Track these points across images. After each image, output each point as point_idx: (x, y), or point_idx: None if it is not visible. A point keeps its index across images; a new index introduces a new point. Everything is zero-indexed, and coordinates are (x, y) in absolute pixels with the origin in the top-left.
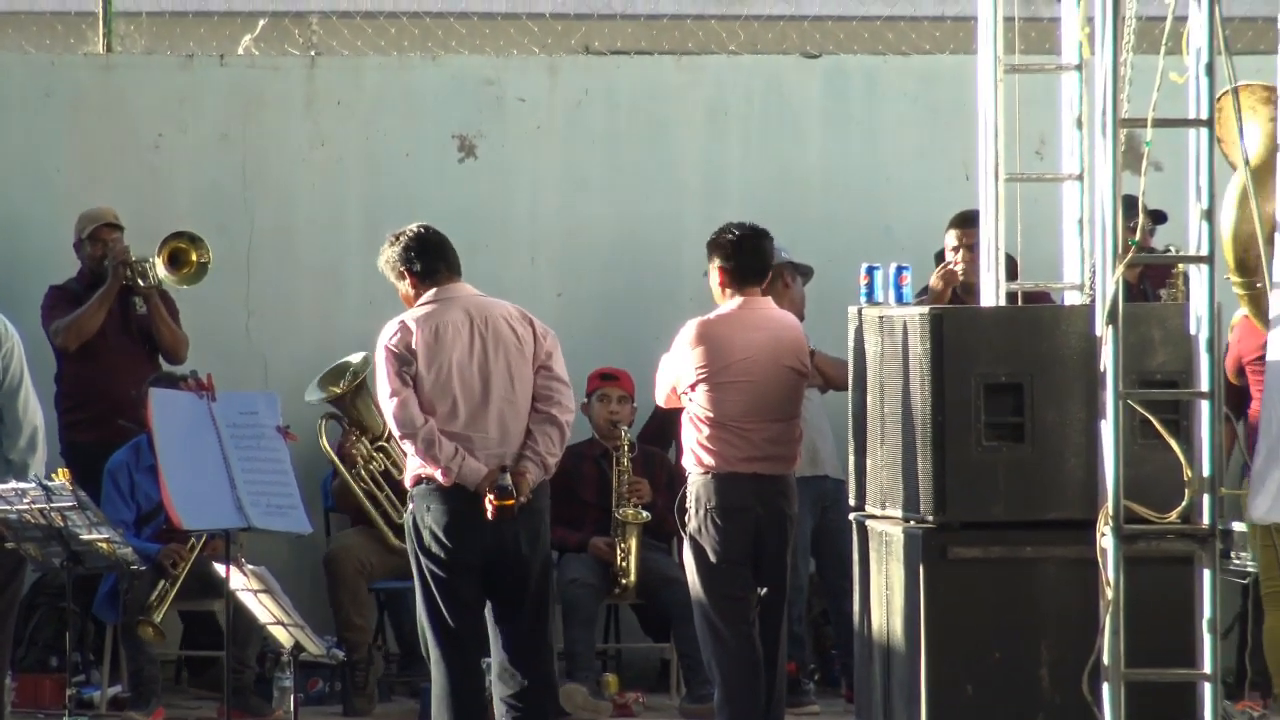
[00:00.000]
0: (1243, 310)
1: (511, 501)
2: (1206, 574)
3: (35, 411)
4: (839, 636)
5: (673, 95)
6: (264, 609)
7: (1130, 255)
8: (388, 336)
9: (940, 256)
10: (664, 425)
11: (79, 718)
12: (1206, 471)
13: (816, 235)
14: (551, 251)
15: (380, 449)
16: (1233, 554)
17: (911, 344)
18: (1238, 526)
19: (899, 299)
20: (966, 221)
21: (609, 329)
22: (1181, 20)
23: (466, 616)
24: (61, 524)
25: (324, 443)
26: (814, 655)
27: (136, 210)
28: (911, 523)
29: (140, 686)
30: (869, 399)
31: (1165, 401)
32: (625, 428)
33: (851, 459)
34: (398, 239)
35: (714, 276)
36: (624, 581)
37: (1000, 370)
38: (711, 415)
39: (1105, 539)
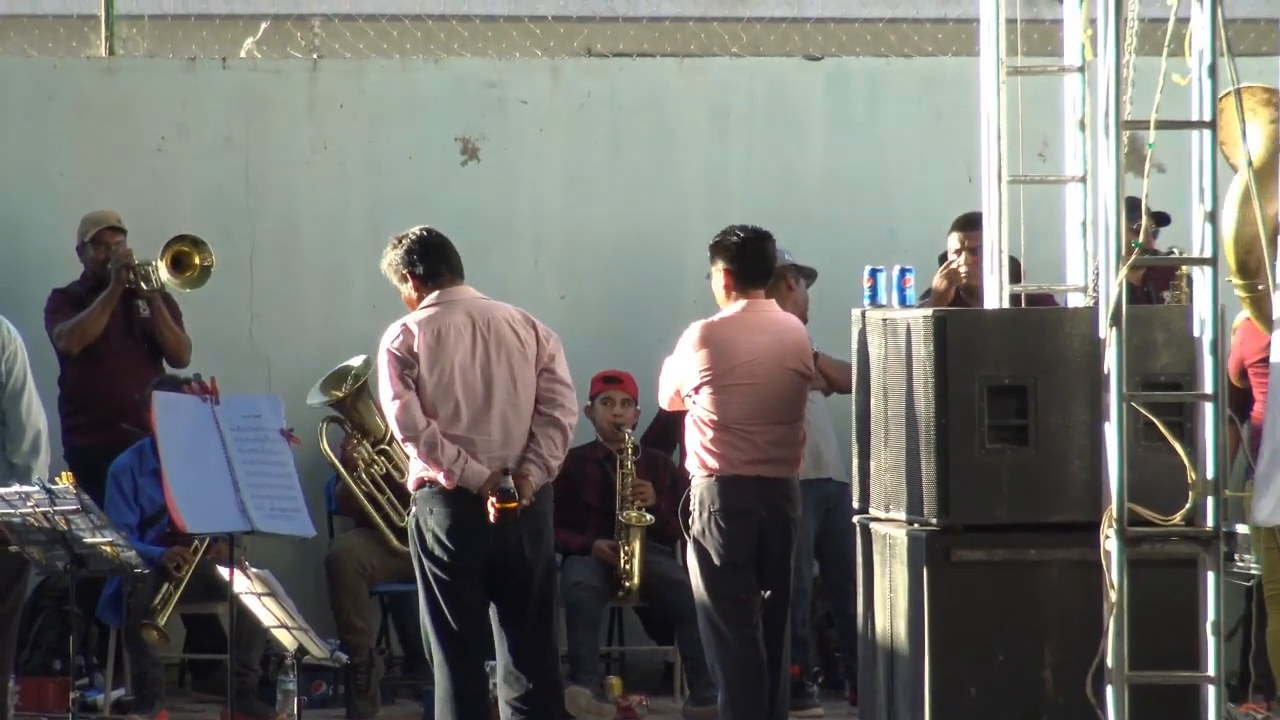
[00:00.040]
0: (1245, 313)
1: (514, 504)
2: (1210, 576)
3: (38, 415)
4: (843, 639)
5: (675, 98)
6: (268, 612)
7: (1133, 257)
8: (390, 339)
9: (944, 259)
10: (667, 428)
11: None
12: (1210, 474)
13: (819, 237)
14: (554, 254)
15: (382, 452)
16: (1237, 556)
17: (915, 346)
18: (1241, 529)
19: (902, 301)
20: (968, 224)
21: (612, 331)
22: (1184, 22)
23: (469, 619)
24: (65, 527)
25: (325, 446)
26: (818, 658)
27: (139, 213)
28: (915, 525)
29: (144, 690)
30: (873, 401)
31: (1169, 404)
32: (629, 430)
33: (855, 461)
34: (400, 242)
35: (717, 279)
36: (628, 584)
37: (1004, 373)
38: (715, 418)
39: (1109, 541)
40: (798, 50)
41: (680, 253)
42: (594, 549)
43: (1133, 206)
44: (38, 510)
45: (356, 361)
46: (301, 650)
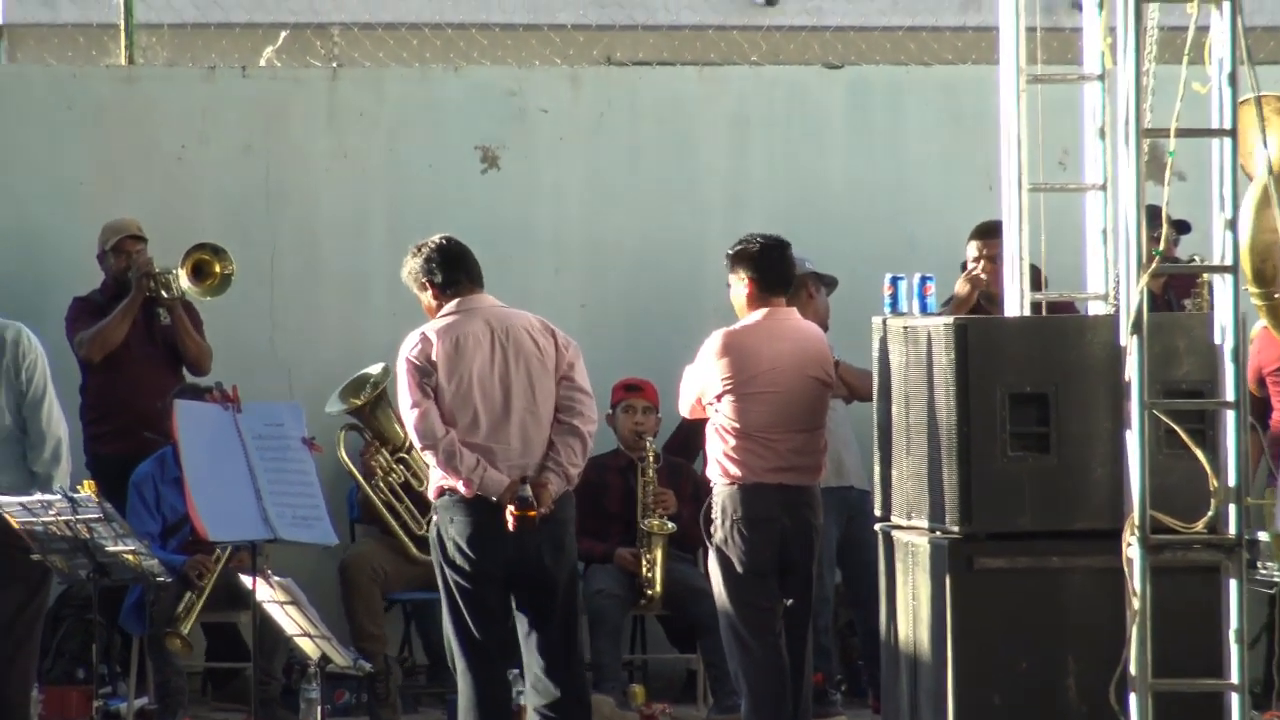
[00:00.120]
0: (1263, 321)
1: (533, 513)
2: (1233, 584)
3: (59, 423)
4: (865, 647)
5: (695, 106)
6: (290, 620)
7: (1154, 265)
8: (409, 348)
9: (964, 269)
10: (689, 436)
11: None
12: (1232, 481)
13: (840, 246)
14: (575, 262)
15: (401, 460)
16: (1259, 564)
17: (936, 354)
18: (1263, 536)
19: (923, 309)
20: (987, 232)
21: (633, 339)
22: (1204, 30)
23: (492, 627)
24: (87, 536)
25: (343, 454)
26: (840, 665)
27: (159, 222)
28: (937, 533)
29: (167, 698)
30: (894, 409)
31: (1190, 411)
32: (650, 438)
33: (877, 469)
34: (420, 250)
35: (738, 288)
36: (650, 592)
37: (1025, 380)
38: (737, 426)
39: (1131, 549)
40: (817, 59)
41: (701, 261)
42: (616, 557)
43: (1153, 214)
44: (60, 519)
45: (375, 369)
46: (324, 658)
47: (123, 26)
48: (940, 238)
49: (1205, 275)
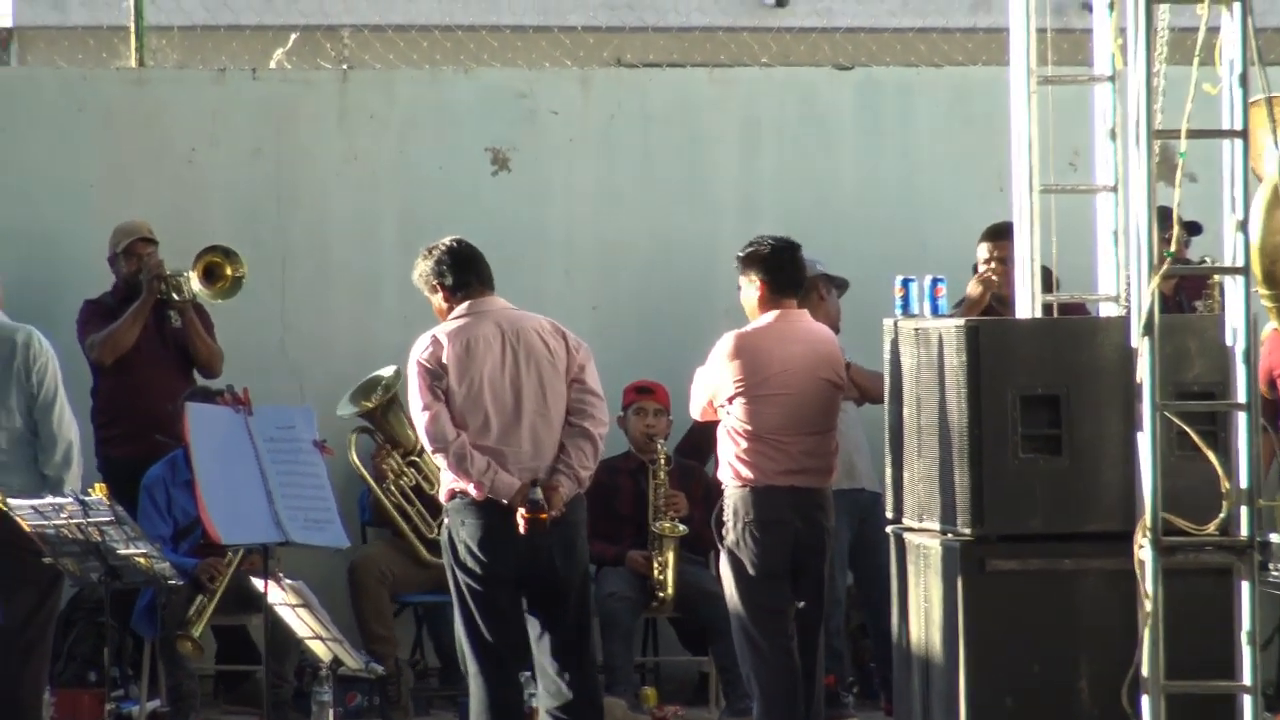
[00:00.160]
0: (1274, 323)
1: (544, 515)
2: (1245, 586)
3: (70, 426)
4: (877, 649)
5: (705, 108)
6: (302, 623)
7: (1165, 267)
8: (419, 351)
9: (976, 270)
10: (701, 439)
11: None
12: (1244, 483)
13: (850, 247)
14: (586, 264)
15: (412, 463)
16: (1271, 566)
17: (947, 356)
18: (1276, 538)
19: (934, 311)
20: (998, 234)
21: (644, 342)
22: (1214, 31)
23: (504, 629)
24: (99, 539)
25: (354, 457)
26: (853, 668)
27: (170, 224)
28: (949, 535)
29: (179, 701)
30: (905, 411)
31: (1202, 413)
32: (661, 441)
33: (889, 471)
34: (430, 253)
35: (748, 290)
36: (662, 595)
37: (1037, 382)
38: (749, 428)
39: (1143, 551)
40: (828, 60)
41: (711, 262)
42: (627, 560)
43: (1164, 216)
44: (71, 522)
45: (387, 372)
46: (336, 661)
47: (133, 29)
48: (951, 239)
49: (1216, 277)
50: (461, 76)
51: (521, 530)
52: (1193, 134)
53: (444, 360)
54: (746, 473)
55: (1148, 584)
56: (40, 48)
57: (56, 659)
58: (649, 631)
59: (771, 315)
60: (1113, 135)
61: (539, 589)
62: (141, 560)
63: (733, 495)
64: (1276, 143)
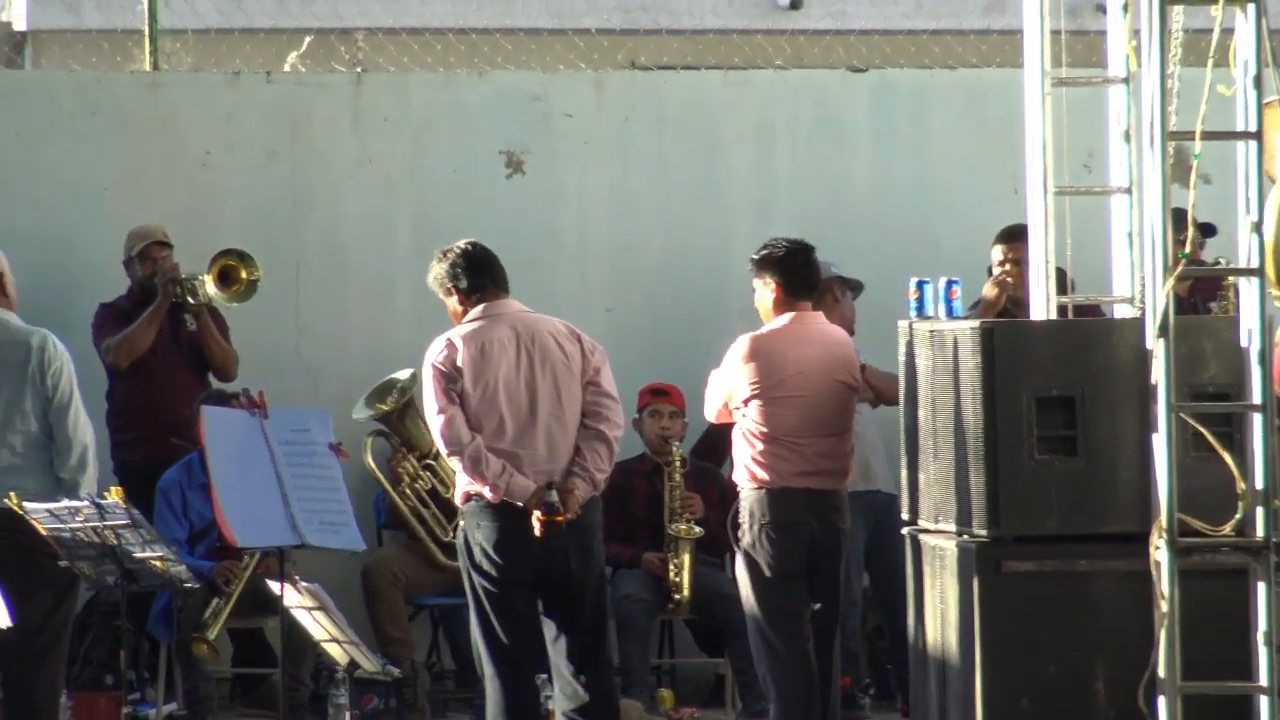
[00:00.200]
0: None
1: (560, 518)
2: (1261, 587)
3: (85, 429)
4: (893, 650)
5: (720, 110)
6: (318, 626)
7: (1180, 268)
8: (434, 354)
9: (991, 272)
10: (717, 441)
11: None
12: (1260, 484)
13: (865, 250)
14: (601, 267)
15: (428, 467)
16: None
17: (963, 358)
18: None
19: (949, 313)
20: (1012, 236)
21: (659, 344)
22: (1228, 33)
23: (520, 632)
24: (115, 542)
25: (369, 460)
26: (869, 669)
27: (184, 228)
28: (965, 537)
29: (195, 704)
30: (921, 413)
31: (1217, 414)
32: (676, 443)
33: (904, 473)
34: (445, 255)
35: (763, 293)
36: (678, 597)
37: (1052, 384)
38: (765, 430)
39: (1159, 552)
40: (842, 62)
41: (726, 265)
42: (643, 562)
43: (1179, 217)
44: (87, 525)
45: (403, 375)
46: (353, 664)
47: (147, 32)
48: (966, 241)
49: (1231, 278)
50: (476, 79)
51: (537, 533)
52: (1207, 135)
53: (459, 363)
54: (762, 474)
55: (1164, 585)
56: (54, 51)
57: (73, 662)
58: (665, 633)
59: (786, 318)
60: (1127, 137)
61: (555, 591)
62: (158, 563)
63: (748, 497)
64: None
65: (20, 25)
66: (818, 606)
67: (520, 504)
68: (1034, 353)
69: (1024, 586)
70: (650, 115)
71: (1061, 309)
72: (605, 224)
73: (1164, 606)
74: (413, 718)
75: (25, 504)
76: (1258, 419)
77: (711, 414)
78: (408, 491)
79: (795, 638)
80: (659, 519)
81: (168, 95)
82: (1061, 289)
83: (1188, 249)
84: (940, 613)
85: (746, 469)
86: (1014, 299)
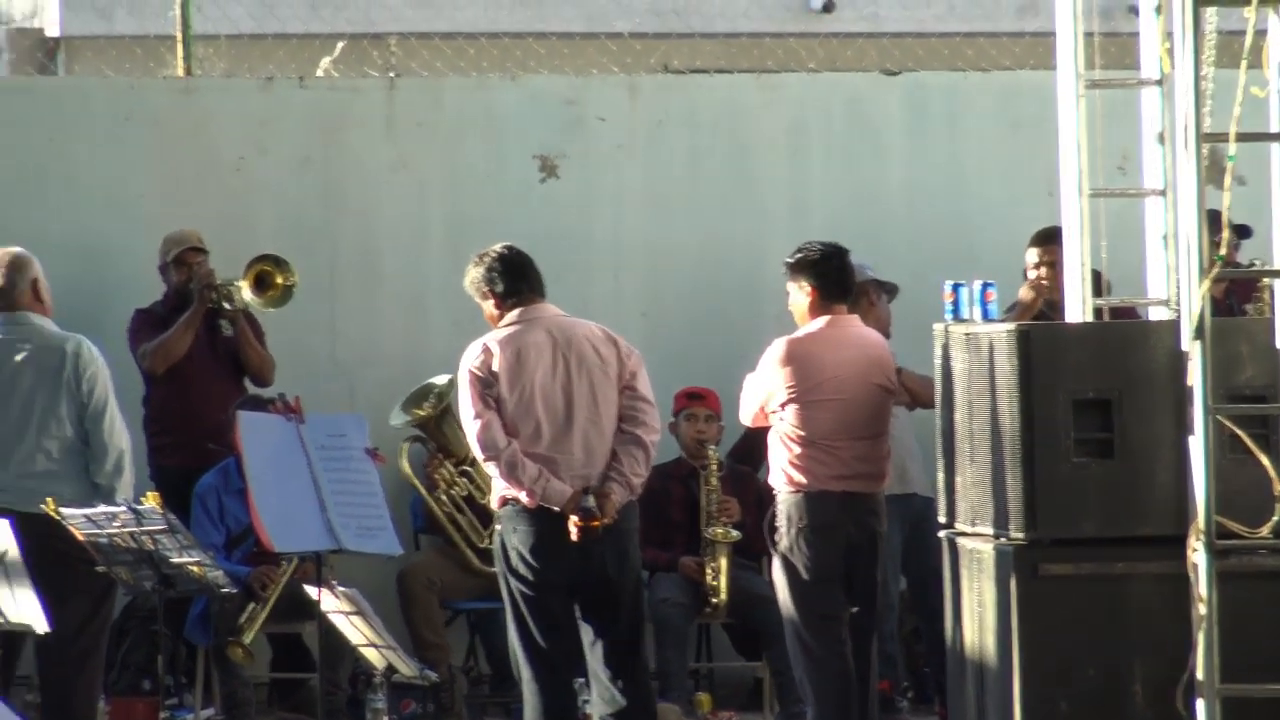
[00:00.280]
0: None
1: (596, 523)
2: None
3: (121, 435)
4: (931, 654)
5: (753, 114)
6: (355, 631)
7: (1215, 270)
8: (470, 359)
9: (1026, 275)
10: (755, 444)
11: None
12: None
13: (899, 253)
14: (635, 271)
15: (464, 473)
16: None
17: (999, 361)
18: None
19: (985, 315)
20: (1046, 239)
21: (694, 348)
22: (1262, 34)
23: (557, 636)
24: (152, 547)
25: (405, 466)
26: (906, 673)
27: (219, 233)
28: (1002, 540)
29: (233, 709)
30: (957, 416)
31: (1254, 416)
32: (713, 446)
33: (941, 476)
34: (482, 259)
35: (798, 297)
36: (715, 600)
37: (1088, 386)
38: (802, 434)
39: (1196, 554)
40: (875, 65)
41: (760, 268)
42: (680, 565)
43: (1214, 219)
44: (124, 530)
45: (440, 380)
46: (390, 669)
47: (180, 38)
48: (1000, 244)
49: (1267, 280)
50: (509, 83)
51: (574, 538)
52: (1241, 137)
53: (495, 368)
54: (799, 478)
55: (1201, 587)
56: (87, 57)
57: (110, 668)
58: (703, 637)
59: (822, 321)
60: (1161, 139)
61: (592, 596)
62: (195, 569)
63: (785, 501)
64: None
65: (53, 31)
66: (855, 610)
67: (557, 509)
68: (1070, 355)
69: (1061, 589)
70: (683, 119)
71: (1097, 311)
72: (639, 228)
73: (1202, 609)
74: None
75: (62, 510)
76: None
77: (747, 418)
78: (444, 498)
79: (833, 641)
80: (695, 523)
81: (201, 101)
82: (1097, 291)
83: (1223, 251)
84: (978, 616)
85: (783, 472)
86: (1050, 302)
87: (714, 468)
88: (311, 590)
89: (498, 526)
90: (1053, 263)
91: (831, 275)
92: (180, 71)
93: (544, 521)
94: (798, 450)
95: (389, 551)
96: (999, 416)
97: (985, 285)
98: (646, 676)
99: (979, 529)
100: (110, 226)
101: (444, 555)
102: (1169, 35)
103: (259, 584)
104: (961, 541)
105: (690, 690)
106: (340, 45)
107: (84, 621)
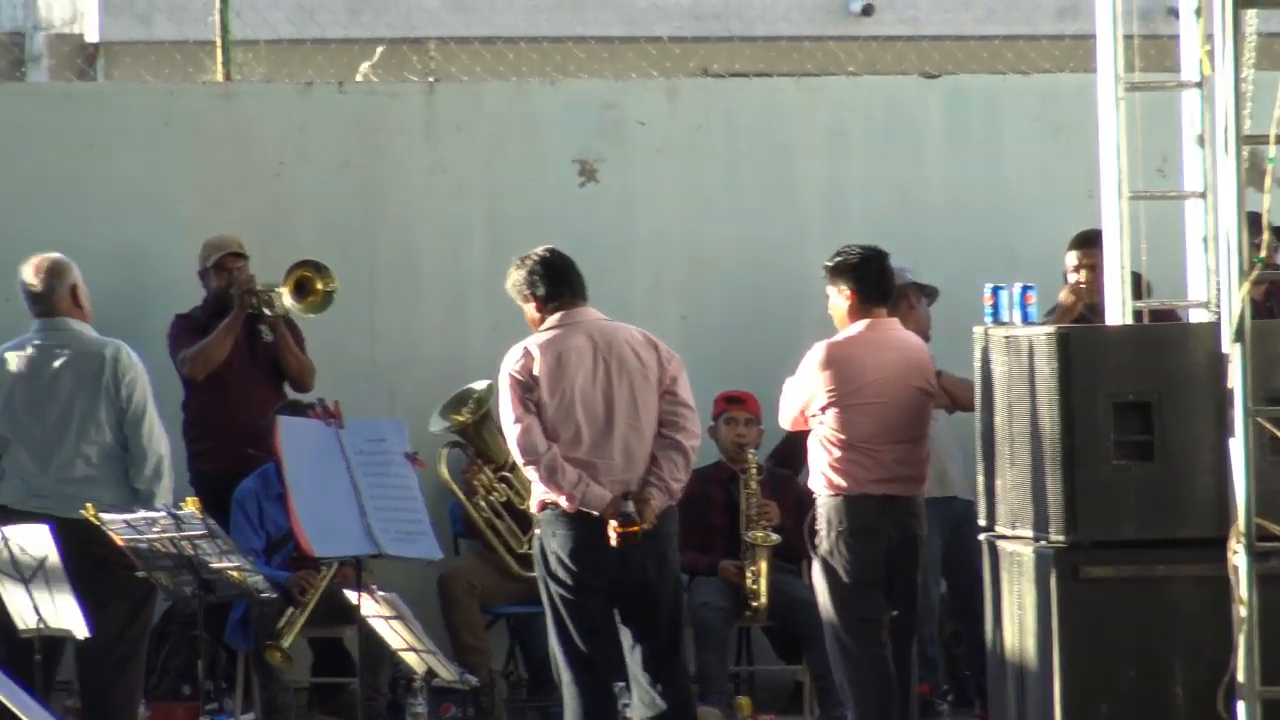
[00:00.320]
0: None
1: (636, 528)
2: None
3: (160, 440)
4: (971, 657)
5: (792, 117)
6: (395, 635)
7: (1256, 272)
8: (511, 363)
9: (1066, 278)
10: (795, 447)
11: None
12: None
13: (939, 256)
14: (674, 275)
15: (503, 479)
16: None
17: (1039, 364)
18: None
19: (1025, 318)
20: (1086, 242)
21: (733, 352)
22: None
23: (596, 640)
24: (192, 552)
25: (444, 471)
26: (947, 676)
27: (258, 238)
28: (1042, 543)
29: (274, 714)
30: (997, 419)
31: None
32: (752, 450)
33: (981, 479)
34: (524, 262)
35: (837, 300)
36: (755, 604)
37: (1128, 389)
38: (842, 437)
39: (1237, 556)
40: (914, 68)
41: (800, 272)
42: (720, 569)
43: (1254, 221)
44: (164, 535)
45: (480, 386)
46: (430, 673)
47: (219, 43)
48: (1040, 247)
49: None
50: (548, 88)
51: (613, 543)
52: None
53: (535, 372)
54: (840, 481)
55: (1242, 589)
56: (126, 63)
57: (150, 673)
58: (743, 641)
59: (862, 324)
60: (1201, 141)
61: (631, 600)
62: (234, 574)
63: (825, 504)
64: None
65: (93, 37)
66: (895, 613)
67: (596, 513)
68: (1110, 358)
69: (1101, 592)
70: (723, 122)
71: (1137, 314)
72: (679, 231)
73: (1242, 611)
74: None
75: (102, 515)
76: None
77: (786, 421)
78: (482, 503)
79: (873, 644)
80: (735, 526)
81: (240, 106)
82: (1137, 294)
83: (1263, 253)
84: (1018, 618)
85: (823, 476)
86: (1090, 305)
87: (753, 471)
88: (351, 595)
89: (537, 531)
90: (1093, 265)
91: (871, 279)
92: (220, 77)
93: (583, 526)
94: (838, 453)
95: (428, 556)
96: (1039, 419)
97: (1025, 288)
98: (686, 680)
99: (1019, 532)
100: (150, 232)
101: (483, 560)
102: (1209, 37)
103: (298, 589)
104: (1001, 544)
105: (730, 694)
106: (379, 50)
107: (124, 627)
